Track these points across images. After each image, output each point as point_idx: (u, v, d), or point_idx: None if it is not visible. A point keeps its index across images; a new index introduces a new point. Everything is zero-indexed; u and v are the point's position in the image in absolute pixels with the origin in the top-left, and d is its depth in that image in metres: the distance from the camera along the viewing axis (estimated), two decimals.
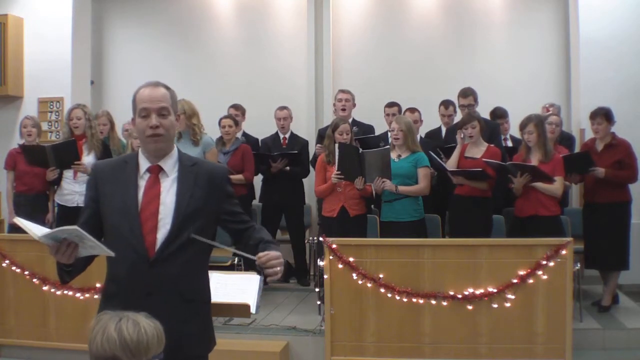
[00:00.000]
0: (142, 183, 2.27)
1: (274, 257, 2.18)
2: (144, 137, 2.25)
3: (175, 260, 2.19)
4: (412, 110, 5.99)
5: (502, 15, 7.30)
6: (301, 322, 5.06)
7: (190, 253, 2.21)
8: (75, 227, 2.03)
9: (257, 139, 6.56)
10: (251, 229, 2.41)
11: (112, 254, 2.12)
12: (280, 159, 6.10)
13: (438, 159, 5.22)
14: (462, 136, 5.20)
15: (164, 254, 2.19)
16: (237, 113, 6.39)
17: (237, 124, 6.06)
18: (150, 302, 2.15)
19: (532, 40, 7.16)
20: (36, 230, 2.05)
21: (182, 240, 2.22)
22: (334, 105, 6.47)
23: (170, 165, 2.29)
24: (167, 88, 2.31)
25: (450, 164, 5.21)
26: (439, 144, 5.76)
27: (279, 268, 2.18)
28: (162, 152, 2.28)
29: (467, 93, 5.61)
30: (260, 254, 2.19)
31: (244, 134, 6.49)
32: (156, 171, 2.28)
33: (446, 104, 6.09)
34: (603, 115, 5.36)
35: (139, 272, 2.19)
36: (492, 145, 5.21)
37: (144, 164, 2.29)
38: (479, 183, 5.07)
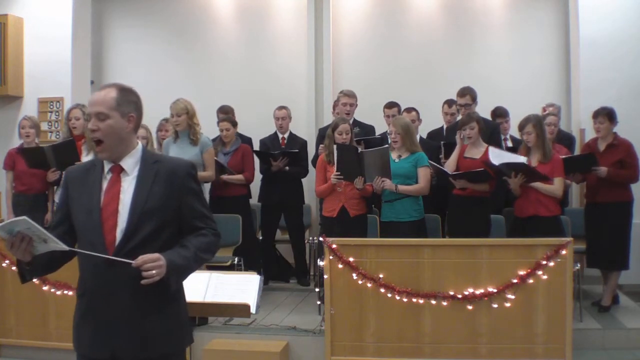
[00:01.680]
0: (105, 183, 2.33)
1: (149, 259, 2.14)
2: (90, 141, 2.33)
3: (136, 257, 2.19)
4: (409, 110, 6.00)
5: (502, 15, 7.30)
6: (301, 322, 5.06)
7: (150, 251, 2.20)
8: (24, 217, 2.08)
9: (250, 139, 6.54)
10: (195, 234, 2.35)
11: (66, 248, 2.19)
12: (281, 158, 6.10)
13: (439, 166, 5.17)
14: (461, 137, 5.20)
15: (123, 251, 2.22)
16: (232, 116, 6.34)
17: (235, 125, 6.05)
18: (113, 300, 2.22)
19: (533, 41, 7.16)
20: None
21: (140, 238, 2.24)
22: (334, 106, 6.47)
23: (131, 164, 2.33)
24: (120, 89, 2.33)
25: (449, 165, 5.20)
26: (439, 144, 5.75)
27: (154, 271, 2.13)
28: (110, 159, 2.32)
29: (465, 92, 5.60)
30: (138, 258, 2.15)
31: (237, 134, 6.46)
32: (117, 171, 2.32)
33: (449, 102, 6.09)
34: (605, 115, 5.36)
35: (101, 271, 2.23)
36: (491, 146, 5.20)
37: (107, 164, 2.35)
38: (481, 185, 5.06)
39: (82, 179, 2.36)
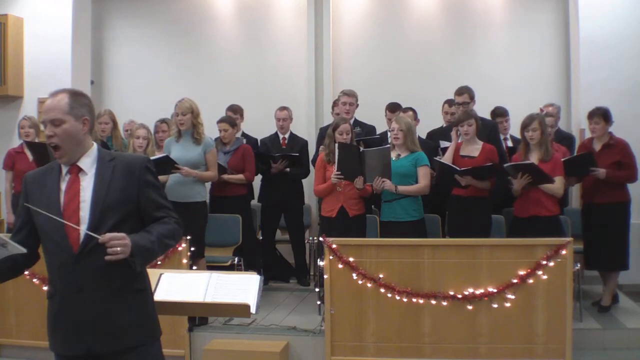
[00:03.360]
0: (64, 185, 2.38)
1: (115, 237, 2.20)
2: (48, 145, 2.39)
3: (101, 253, 2.24)
4: (406, 110, 6.00)
5: (503, 15, 7.30)
6: (301, 322, 5.06)
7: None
8: None
9: (256, 140, 6.55)
10: (158, 222, 2.42)
11: (23, 250, 2.26)
12: (281, 160, 6.10)
13: (447, 163, 5.13)
14: (458, 134, 5.19)
15: (87, 247, 2.28)
16: (235, 116, 6.35)
17: (234, 125, 6.04)
18: (82, 297, 2.29)
19: (533, 40, 7.16)
20: None
21: (105, 231, 2.27)
22: (334, 106, 6.47)
23: (88, 163, 2.40)
24: (71, 94, 2.39)
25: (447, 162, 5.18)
26: (437, 144, 5.74)
27: (119, 249, 2.19)
28: (65, 162, 2.37)
29: (462, 91, 5.59)
30: (105, 235, 2.21)
31: (244, 135, 6.48)
32: (75, 171, 2.39)
33: (450, 102, 6.08)
34: (601, 115, 5.36)
35: (68, 269, 2.29)
36: (487, 143, 5.19)
37: (65, 166, 2.41)
38: (484, 183, 5.05)
39: (40, 182, 2.42)
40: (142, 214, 2.42)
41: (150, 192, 2.43)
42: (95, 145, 2.44)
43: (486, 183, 5.06)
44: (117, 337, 2.32)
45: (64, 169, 2.39)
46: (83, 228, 2.29)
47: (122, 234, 2.23)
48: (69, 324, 2.32)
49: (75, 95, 2.40)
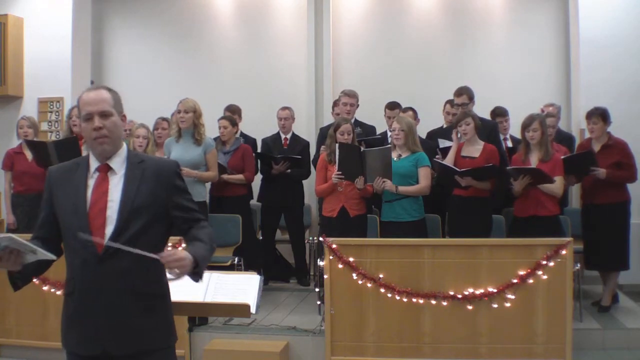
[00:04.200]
0: (92, 183, 2.34)
1: (175, 259, 2.18)
2: (90, 140, 2.33)
3: (126, 256, 2.22)
4: (406, 109, 6.00)
5: (502, 15, 7.30)
6: (301, 322, 5.06)
7: (139, 248, 2.23)
8: (9, 235, 2.11)
9: (254, 140, 6.55)
10: (194, 228, 2.42)
11: (53, 257, 2.23)
12: (282, 162, 6.10)
13: (447, 164, 5.12)
14: (458, 136, 5.19)
15: (112, 249, 2.24)
16: (234, 116, 6.34)
17: (234, 124, 6.04)
18: (102, 298, 2.25)
19: (532, 40, 7.16)
20: None
21: (130, 235, 2.26)
22: (334, 106, 6.47)
23: (118, 163, 2.36)
24: (110, 91, 2.38)
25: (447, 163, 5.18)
26: (436, 144, 5.74)
27: (177, 270, 2.18)
28: (107, 154, 2.34)
29: (461, 92, 5.59)
30: (164, 254, 2.19)
31: (242, 135, 6.47)
32: (105, 170, 2.35)
33: (451, 102, 6.08)
34: (599, 115, 5.36)
35: (90, 269, 2.26)
36: (488, 143, 5.19)
37: (93, 164, 2.37)
38: (485, 183, 5.05)
39: (66, 178, 2.38)
40: (169, 218, 2.39)
41: (180, 197, 2.41)
42: (124, 146, 2.41)
43: (486, 183, 5.06)
44: (135, 340, 2.29)
45: (92, 167, 2.35)
46: (110, 229, 2.26)
47: (183, 254, 2.19)
48: (86, 324, 2.27)
49: (114, 92, 2.38)
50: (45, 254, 2.19)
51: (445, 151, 5.44)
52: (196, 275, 2.27)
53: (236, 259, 5.64)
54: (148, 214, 2.31)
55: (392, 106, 6.18)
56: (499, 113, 6.18)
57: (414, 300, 4.39)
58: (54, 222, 2.37)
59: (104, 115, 2.30)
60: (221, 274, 2.91)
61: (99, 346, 2.27)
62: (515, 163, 5.06)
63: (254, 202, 6.48)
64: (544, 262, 4.29)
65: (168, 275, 2.20)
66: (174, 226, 2.43)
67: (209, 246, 2.36)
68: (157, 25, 7.87)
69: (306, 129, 7.21)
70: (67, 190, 2.34)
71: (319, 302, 5.25)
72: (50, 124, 7.10)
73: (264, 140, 6.51)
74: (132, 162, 2.38)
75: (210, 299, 2.82)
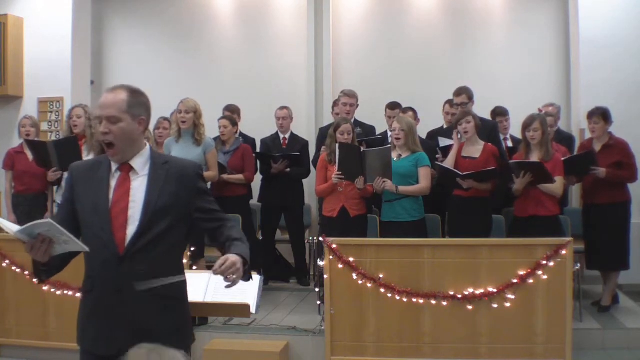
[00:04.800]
0: (114, 182, 2.33)
1: (230, 265, 2.19)
2: (101, 142, 2.33)
3: (145, 257, 2.23)
4: (406, 109, 6.00)
5: (503, 15, 7.30)
6: (301, 322, 5.06)
7: (160, 250, 2.24)
8: (49, 220, 2.07)
9: (253, 139, 6.55)
10: (222, 227, 2.43)
11: (86, 249, 2.18)
12: (281, 160, 6.10)
13: (448, 167, 5.10)
14: (458, 136, 5.18)
15: (133, 250, 2.24)
16: (232, 115, 6.34)
17: (234, 124, 6.05)
18: (120, 298, 2.24)
19: (532, 40, 7.16)
20: (11, 226, 2.09)
21: (152, 236, 2.26)
22: (334, 106, 6.47)
23: (140, 163, 2.36)
24: (130, 92, 2.34)
25: (447, 164, 5.18)
26: (437, 144, 5.74)
27: (234, 276, 2.19)
28: (118, 159, 2.33)
29: (461, 92, 5.59)
30: (217, 266, 2.19)
31: (241, 134, 6.46)
32: (127, 169, 2.34)
33: (451, 102, 6.08)
34: (600, 115, 5.36)
35: (110, 268, 2.24)
36: (489, 143, 5.19)
37: (115, 163, 2.36)
38: (486, 184, 5.05)
39: (88, 175, 2.36)
40: (191, 219, 2.39)
41: (203, 199, 2.41)
42: (148, 146, 2.40)
43: (487, 185, 5.06)
44: (153, 341, 2.27)
45: (114, 166, 2.35)
46: (132, 230, 2.25)
47: (235, 259, 2.21)
48: (104, 323, 2.27)
49: (135, 94, 2.34)
50: (80, 245, 2.15)
51: (445, 150, 5.44)
52: (246, 275, 2.27)
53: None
54: (171, 215, 2.31)
55: (393, 106, 6.18)
56: (499, 113, 6.19)
57: (414, 300, 4.39)
58: (74, 220, 2.35)
59: (111, 120, 2.28)
60: None
61: (115, 346, 2.24)
62: None
63: (254, 202, 6.48)
64: (544, 262, 4.29)
65: (225, 284, 2.19)
66: (197, 227, 2.42)
67: (246, 244, 2.36)
68: (157, 25, 7.87)
69: (306, 129, 7.21)
70: (88, 188, 2.33)
71: (319, 302, 5.25)
72: (50, 124, 7.10)
73: (263, 141, 6.51)
74: (156, 162, 2.38)
75: (210, 299, 2.81)
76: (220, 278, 2.60)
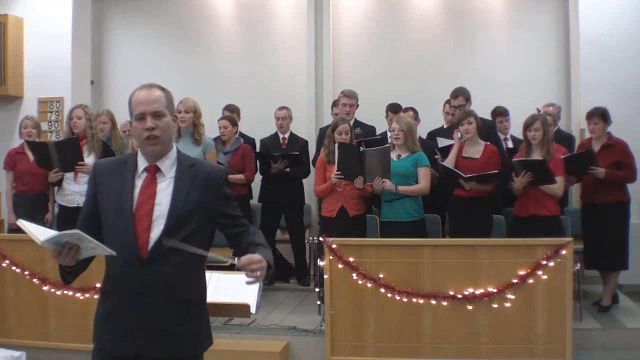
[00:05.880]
0: (139, 182, 2.30)
1: (255, 260, 2.16)
2: (141, 139, 2.28)
3: (168, 260, 2.21)
4: (406, 110, 6.00)
5: (503, 15, 7.30)
6: (301, 322, 5.06)
7: (184, 253, 2.21)
8: (77, 230, 2.05)
9: (253, 139, 6.55)
10: (245, 232, 2.41)
11: (113, 253, 2.14)
12: (281, 160, 6.10)
13: (452, 168, 5.08)
14: (459, 136, 5.18)
15: (157, 253, 2.21)
16: (232, 115, 6.34)
17: (234, 124, 6.05)
18: (141, 301, 2.21)
19: (532, 40, 7.17)
20: (38, 234, 2.06)
21: (178, 240, 2.22)
22: (333, 106, 6.47)
23: (167, 165, 2.32)
24: (162, 89, 2.34)
25: (448, 164, 5.18)
26: (436, 145, 5.74)
27: (258, 272, 2.16)
28: (158, 154, 2.30)
29: (458, 94, 5.57)
30: (242, 258, 2.17)
31: (240, 134, 6.47)
32: (153, 171, 2.30)
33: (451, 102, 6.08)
34: (599, 115, 5.37)
35: (132, 270, 2.22)
36: (489, 143, 5.19)
37: (142, 163, 2.32)
38: (488, 185, 5.05)
39: (112, 175, 2.33)
40: (215, 225, 2.37)
41: (229, 206, 2.38)
42: (175, 148, 2.37)
43: (488, 186, 5.06)
44: (169, 345, 2.25)
45: (140, 166, 2.31)
46: (156, 233, 2.22)
47: (259, 256, 2.18)
48: (122, 324, 2.24)
49: (166, 91, 2.34)
50: (106, 250, 2.12)
51: (444, 150, 5.44)
52: (268, 277, 2.26)
53: (236, 259, 5.62)
54: (195, 220, 2.28)
55: (395, 109, 6.21)
56: (500, 113, 6.19)
57: (414, 300, 4.39)
58: (96, 220, 2.32)
59: (157, 115, 2.26)
60: (221, 274, 2.91)
61: (132, 347, 2.23)
62: None
63: (254, 202, 6.49)
64: (544, 262, 4.28)
65: (247, 279, 2.17)
66: (219, 230, 2.40)
67: (269, 250, 2.33)
68: (157, 25, 7.88)
69: (306, 129, 7.21)
70: (112, 188, 2.30)
71: (319, 302, 5.25)
72: (50, 124, 7.11)
73: (263, 141, 6.52)
74: (182, 165, 2.34)
75: (210, 299, 2.81)
76: (220, 278, 2.59)
